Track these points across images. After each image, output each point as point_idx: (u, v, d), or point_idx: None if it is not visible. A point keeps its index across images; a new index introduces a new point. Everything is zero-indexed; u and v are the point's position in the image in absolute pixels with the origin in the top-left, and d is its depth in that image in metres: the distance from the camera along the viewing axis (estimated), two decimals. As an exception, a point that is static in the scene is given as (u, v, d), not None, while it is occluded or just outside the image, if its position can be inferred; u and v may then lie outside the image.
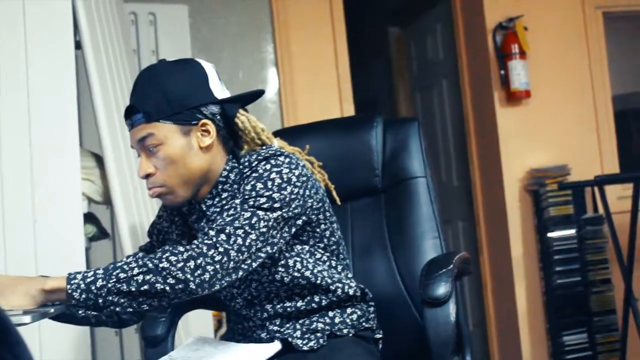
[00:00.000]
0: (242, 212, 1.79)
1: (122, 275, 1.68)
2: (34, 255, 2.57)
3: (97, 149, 2.81)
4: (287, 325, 2.00)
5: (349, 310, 2.05)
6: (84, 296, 1.67)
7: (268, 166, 1.87)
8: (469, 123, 4.82)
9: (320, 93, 4.52)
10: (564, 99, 4.59)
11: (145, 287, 1.68)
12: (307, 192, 1.91)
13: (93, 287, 1.67)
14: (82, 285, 1.67)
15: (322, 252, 2.03)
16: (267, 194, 1.82)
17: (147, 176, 1.91)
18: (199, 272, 1.70)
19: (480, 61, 4.63)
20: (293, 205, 1.86)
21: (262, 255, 1.81)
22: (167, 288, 1.68)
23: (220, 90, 1.95)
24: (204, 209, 1.98)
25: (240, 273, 1.77)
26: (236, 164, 1.96)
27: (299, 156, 2.04)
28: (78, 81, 2.75)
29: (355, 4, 5.20)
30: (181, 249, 1.72)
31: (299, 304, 2.00)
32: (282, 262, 1.95)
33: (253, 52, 4.50)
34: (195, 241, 1.75)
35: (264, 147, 1.98)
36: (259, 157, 1.91)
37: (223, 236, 1.75)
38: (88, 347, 2.67)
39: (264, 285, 1.98)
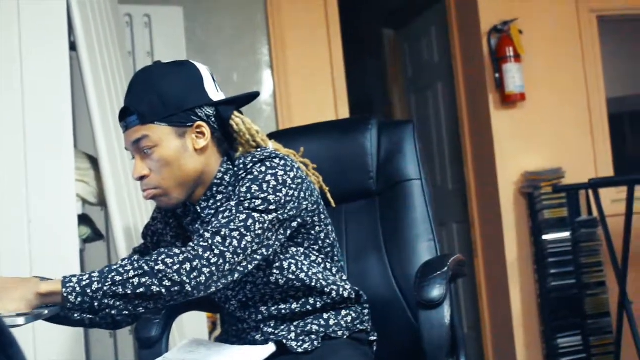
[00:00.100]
0: (238, 214, 1.79)
1: (117, 278, 1.68)
2: (28, 257, 2.56)
3: (92, 151, 2.81)
4: (282, 327, 2.00)
5: (343, 312, 2.05)
6: (79, 299, 1.66)
7: (263, 168, 1.87)
8: (464, 126, 4.82)
9: (315, 95, 4.52)
10: (558, 102, 4.60)
11: (141, 289, 1.67)
12: (302, 195, 1.91)
13: (89, 290, 1.67)
14: (78, 289, 1.67)
15: (317, 254, 2.03)
16: (262, 196, 1.82)
17: (142, 178, 1.91)
18: (194, 274, 1.69)
19: (475, 64, 4.63)
20: (288, 208, 1.86)
21: (258, 257, 1.80)
22: (163, 290, 1.68)
23: (215, 92, 1.95)
24: (199, 211, 1.98)
25: (236, 275, 1.77)
26: (231, 166, 1.96)
27: (293, 158, 2.04)
28: (73, 82, 2.75)
29: (350, 6, 5.20)
30: (177, 251, 1.71)
31: (294, 306, 2.00)
32: (277, 264, 1.95)
33: (248, 54, 4.50)
34: (191, 243, 1.75)
35: (258, 149, 1.98)
36: (254, 160, 1.91)
37: (219, 238, 1.75)
38: (82, 348, 2.67)
39: (259, 288, 1.98)
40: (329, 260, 2.06)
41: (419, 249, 2.30)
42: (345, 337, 2.01)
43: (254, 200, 1.82)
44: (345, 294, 2.04)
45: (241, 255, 1.76)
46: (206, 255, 1.72)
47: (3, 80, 2.62)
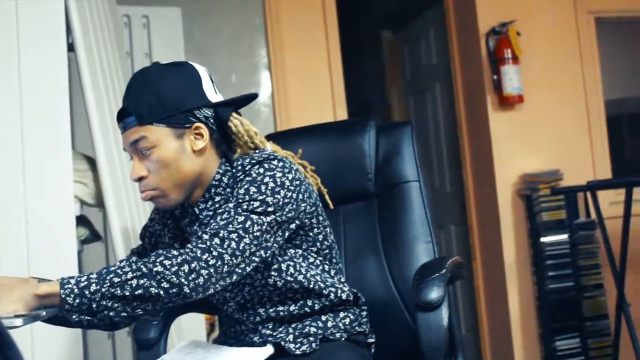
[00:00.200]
0: (236, 216, 1.79)
1: (116, 279, 1.67)
2: (26, 257, 2.56)
3: (90, 152, 2.81)
4: (280, 329, 2.00)
5: (341, 314, 2.05)
6: (77, 301, 1.66)
7: (261, 170, 1.87)
8: (462, 127, 4.82)
9: (313, 97, 4.52)
10: (556, 104, 4.60)
11: (140, 291, 1.67)
12: (301, 196, 1.91)
13: (87, 292, 1.66)
14: (76, 290, 1.66)
15: (315, 256, 2.03)
16: (260, 197, 1.82)
17: (140, 179, 1.91)
18: (193, 276, 1.69)
19: (473, 66, 4.64)
20: (286, 209, 1.86)
21: (256, 259, 1.80)
22: (161, 292, 1.68)
23: (213, 94, 1.95)
24: (197, 212, 1.97)
25: (234, 277, 1.77)
26: (229, 168, 1.96)
27: (292, 160, 2.04)
28: (71, 83, 2.75)
29: (349, 8, 5.21)
30: (175, 252, 1.71)
31: (292, 308, 2.00)
32: (275, 266, 1.95)
33: (246, 56, 4.50)
34: (189, 245, 1.75)
35: (257, 151, 1.97)
36: (252, 161, 1.91)
37: (217, 240, 1.75)
38: (80, 349, 2.67)
39: (257, 289, 1.98)
40: (327, 262, 2.06)
41: (417, 251, 2.30)
42: (343, 339, 2.01)
43: (252, 202, 1.81)
44: (344, 296, 2.04)
45: (239, 257, 1.76)
46: (204, 257, 1.72)
47: (1, 81, 2.62)
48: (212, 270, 1.71)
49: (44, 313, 1.66)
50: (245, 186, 1.85)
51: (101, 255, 3.71)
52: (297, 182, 1.91)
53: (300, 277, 1.97)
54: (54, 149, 2.65)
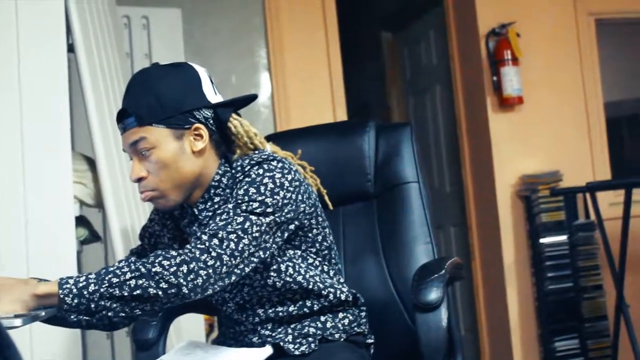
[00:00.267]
0: (235, 217, 1.79)
1: (114, 279, 1.68)
2: (25, 258, 2.56)
3: (90, 152, 2.81)
4: (279, 329, 2.00)
5: (340, 315, 2.05)
6: (76, 301, 1.66)
7: (261, 171, 1.87)
8: (462, 128, 4.82)
9: (313, 98, 4.52)
10: (556, 105, 4.60)
11: (138, 291, 1.67)
12: (300, 197, 1.91)
13: (85, 292, 1.66)
14: (75, 290, 1.67)
15: (314, 257, 2.03)
16: (259, 198, 1.82)
17: (139, 180, 1.91)
18: (191, 276, 1.69)
19: (473, 67, 4.64)
20: (285, 210, 1.86)
21: (255, 260, 1.80)
22: (160, 293, 1.68)
23: (213, 95, 1.95)
24: (196, 213, 1.98)
25: (233, 278, 1.77)
26: (229, 169, 1.96)
27: (291, 161, 2.04)
28: (70, 84, 2.75)
29: (349, 9, 5.21)
30: (174, 253, 1.71)
31: (291, 308, 2.00)
32: (275, 266, 1.95)
33: (246, 57, 4.50)
34: (188, 246, 1.75)
35: (256, 152, 1.98)
36: (252, 162, 1.91)
37: (216, 241, 1.75)
38: (79, 350, 2.67)
39: (256, 290, 1.98)
40: (326, 262, 2.06)
41: (416, 252, 2.30)
42: (342, 339, 2.01)
43: (251, 203, 1.82)
44: (343, 297, 2.04)
45: (238, 258, 1.76)
46: (203, 257, 1.72)
47: (1, 81, 2.62)
48: (210, 270, 1.72)
49: (43, 313, 1.66)
50: (245, 187, 1.85)
51: (100, 255, 3.71)
52: (297, 183, 1.91)
53: (300, 278, 1.97)
54: (54, 149, 2.65)
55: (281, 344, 1.95)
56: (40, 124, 2.64)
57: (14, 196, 2.58)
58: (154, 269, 1.68)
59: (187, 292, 1.70)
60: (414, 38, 5.54)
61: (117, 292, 1.67)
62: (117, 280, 1.67)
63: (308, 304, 2.00)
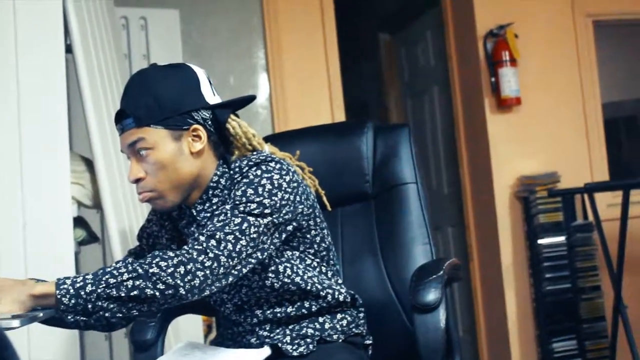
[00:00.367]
0: (233, 218, 1.79)
1: (111, 280, 1.67)
2: (23, 259, 2.56)
3: (88, 153, 2.81)
4: (277, 330, 2.00)
5: (339, 316, 2.05)
6: (73, 301, 1.66)
7: (259, 172, 1.87)
8: (460, 129, 4.82)
9: (311, 99, 4.52)
10: (554, 106, 4.60)
11: (135, 292, 1.67)
12: (298, 198, 1.91)
13: (82, 292, 1.66)
14: (72, 291, 1.66)
15: (313, 258, 2.03)
16: (257, 199, 1.82)
17: (137, 181, 1.91)
18: (189, 277, 1.69)
19: (471, 68, 4.64)
20: (283, 211, 1.86)
21: (253, 261, 1.80)
22: (157, 293, 1.68)
23: (211, 96, 1.95)
24: (195, 214, 1.97)
25: (231, 279, 1.77)
26: (227, 170, 1.96)
27: (289, 162, 2.04)
28: (68, 85, 2.74)
29: (346, 10, 5.20)
30: (171, 254, 1.71)
31: (289, 309, 2.00)
32: (273, 267, 1.95)
33: (244, 58, 4.50)
34: (186, 247, 1.75)
35: (254, 153, 1.98)
36: (250, 163, 1.91)
37: (213, 242, 1.75)
38: (77, 351, 2.67)
39: (254, 291, 1.98)
40: (324, 263, 2.06)
41: (414, 253, 2.30)
42: (340, 340, 2.01)
43: (249, 204, 1.82)
44: (341, 298, 2.04)
45: (236, 259, 1.76)
46: (200, 258, 1.72)
47: (-1, 82, 2.62)
48: (208, 271, 1.72)
49: (41, 314, 1.66)
50: (243, 188, 1.85)
51: (98, 256, 3.71)
52: (295, 184, 1.91)
53: (298, 279, 1.97)
54: (52, 150, 2.65)
55: (279, 344, 1.95)
56: (38, 124, 2.64)
57: (12, 197, 2.58)
58: (151, 270, 1.68)
59: (184, 293, 1.70)
60: (411, 39, 5.54)
61: (114, 292, 1.67)
62: (115, 280, 1.67)
63: (306, 305, 2.00)
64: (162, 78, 1.90)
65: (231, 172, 1.94)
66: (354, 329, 2.06)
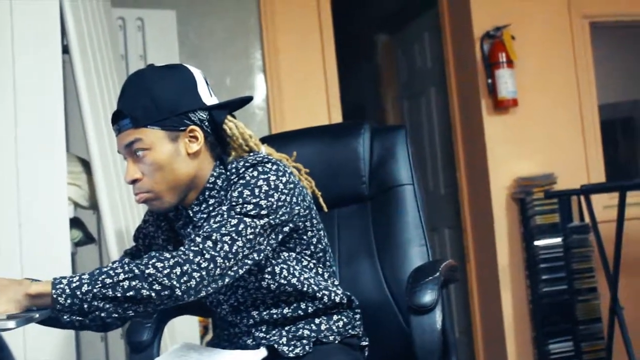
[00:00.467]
0: (229, 219, 1.79)
1: (107, 280, 1.67)
2: (19, 260, 2.56)
3: (84, 154, 2.81)
4: (273, 331, 2.00)
5: (335, 317, 2.05)
6: (69, 301, 1.66)
7: (255, 173, 1.87)
8: (456, 131, 4.83)
9: (307, 100, 4.52)
10: (551, 107, 4.61)
11: (131, 293, 1.67)
12: (294, 199, 1.91)
13: (78, 292, 1.66)
14: (68, 290, 1.66)
15: (309, 259, 2.03)
16: (254, 201, 1.82)
17: (134, 182, 1.91)
18: (185, 278, 1.69)
19: (468, 69, 4.64)
20: (280, 212, 1.86)
21: (249, 262, 1.80)
22: (153, 294, 1.68)
23: (208, 96, 1.95)
24: (191, 214, 1.97)
25: (227, 280, 1.77)
26: (223, 170, 1.96)
27: (286, 163, 2.04)
28: (65, 85, 2.74)
29: (344, 11, 5.20)
30: (167, 255, 1.71)
31: (285, 310, 2.00)
32: (269, 269, 1.95)
33: (241, 58, 4.50)
34: (182, 247, 1.74)
35: (251, 154, 1.98)
36: (247, 164, 1.91)
37: (210, 243, 1.74)
38: (73, 352, 2.66)
39: (250, 292, 1.97)
40: (320, 265, 2.06)
41: (410, 254, 2.30)
42: (336, 342, 2.01)
43: (245, 205, 1.81)
44: (337, 299, 2.04)
45: (232, 260, 1.76)
46: (197, 259, 1.71)
47: (-5, 83, 2.62)
48: (204, 273, 1.71)
49: (37, 315, 1.66)
50: (239, 189, 1.85)
51: (95, 257, 3.70)
52: (291, 185, 1.91)
53: (294, 280, 1.97)
54: (48, 151, 2.65)
55: (275, 346, 1.94)
56: (35, 125, 2.64)
57: (9, 197, 2.57)
58: (147, 271, 1.68)
59: (180, 294, 1.69)
60: (409, 40, 5.54)
61: (110, 292, 1.67)
62: (111, 281, 1.67)
63: (302, 306, 2.00)
64: (159, 79, 1.90)
65: (228, 173, 1.94)
66: (350, 330, 2.06)
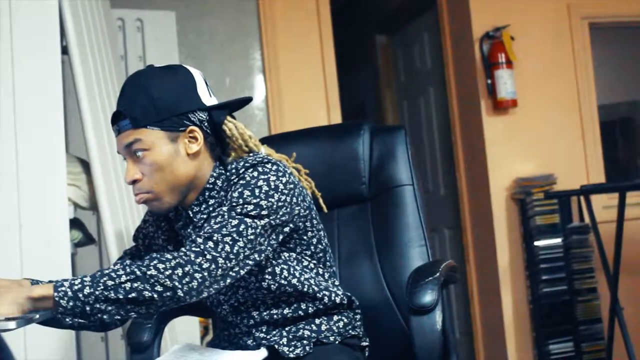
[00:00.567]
0: (230, 220, 1.79)
1: (109, 282, 1.67)
2: (19, 261, 2.55)
3: (84, 155, 2.80)
4: (274, 332, 2.00)
5: (335, 317, 2.05)
6: (71, 304, 1.66)
7: (255, 173, 1.87)
8: (456, 131, 4.83)
9: (307, 100, 4.52)
10: (550, 108, 4.61)
11: (133, 294, 1.67)
12: (294, 200, 1.91)
13: (80, 295, 1.66)
14: (70, 293, 1.66)
15: (309, 259, 2.03)
16: (254, 201, 1.82)
17: (134, 182, 1.91)
18: (186, 279, 1.69)
19: (467, 70, 4.64)
20: (280, 213, 1.86)
21: (250, 262, 1.80)
22: (155, 295, 1.68)
23: (207, 97, 1.95)
24: (191, 215, 1.97)
25: (228, 280, 1.77)
26: (223, 171, 1.96)
27: (286, 163, 2.04)
28: (65, 86, 2.74)
29: (343, 12, 5.21)
30: (169, 256, 1.71)
31: (286, 311, 2.00)
32: (269, 269, 1.95)
33: (240, 59, 4.50)
34: (183, 248, 1.74)
35: (251, 154, 1.98)
36: (246, 164, 1.91)
37: (211, 243, 1.74)
38: (73, 352, 2.66)
39: (251, 292, 1.97)
40: (321, 265, 2.06)
41: (410, 255, 2.30)
42: (337, 342, 2.01)
43: (246, 206, 1.81)
44: (337, 300, 2.04)
45: (233, 261, 1.76)
46: (198, 260, 1.71)
47: (-5, 84, 2.62)
48: (205, 273, 1.71)
49: (37, 316, 1.66)
50: (239, 190, 1.85)
51: (95, 258, 3.71)
52: (291, 186, 1.91)
53: (294, 281, 1.97)
54: (48, 151, 2.65)
55: (276, 346, 1.95)
56: (34, 126, 2.64)
57: (8, 199, 2.57)
58: (149, 272, 1.68)
59: (182, 295, 1.69)
60: (408, 41, 5.54)
61: (112, 294, 1.66)
62: (112, 283, 1.67)
63: (303, 306, 2.00)
64: (158, 79, 1.90)
65: (227, 173, 1.94)
66: (350, 331, 2.06)
